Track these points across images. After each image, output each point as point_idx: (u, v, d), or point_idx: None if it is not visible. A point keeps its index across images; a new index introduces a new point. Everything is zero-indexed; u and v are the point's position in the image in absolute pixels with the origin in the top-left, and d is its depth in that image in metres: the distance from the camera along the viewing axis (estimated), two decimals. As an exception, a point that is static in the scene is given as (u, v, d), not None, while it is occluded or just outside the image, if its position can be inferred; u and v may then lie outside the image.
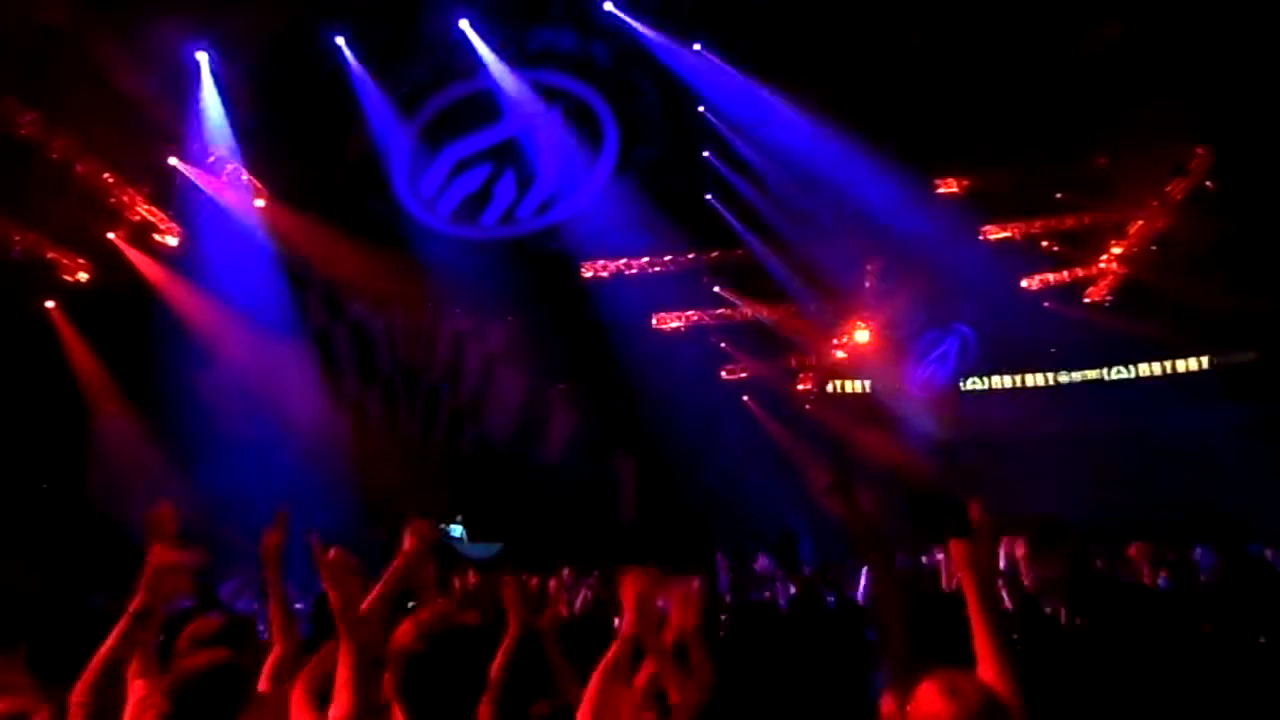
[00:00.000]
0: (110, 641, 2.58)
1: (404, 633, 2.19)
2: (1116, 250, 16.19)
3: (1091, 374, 18.29)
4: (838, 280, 16.84)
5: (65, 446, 14.16)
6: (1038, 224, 16.10)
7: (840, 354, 18.35)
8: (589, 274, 17.05)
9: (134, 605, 2.63)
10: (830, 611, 6.19)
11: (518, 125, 14.64)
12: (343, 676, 2.35)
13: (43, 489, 13.86)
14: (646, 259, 17.10)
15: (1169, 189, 14.75)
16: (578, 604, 7.83)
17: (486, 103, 14.26)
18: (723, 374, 19.29)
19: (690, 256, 17.27)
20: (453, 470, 17.62)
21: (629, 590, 2.88)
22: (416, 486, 16.06)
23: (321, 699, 2.71)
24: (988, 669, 2.26)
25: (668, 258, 17.16)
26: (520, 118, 14.54)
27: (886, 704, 2.64)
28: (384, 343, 17.87)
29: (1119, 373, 18.04)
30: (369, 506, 14.15)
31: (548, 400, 18.48)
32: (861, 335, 17.73)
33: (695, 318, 18.29)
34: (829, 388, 19.45)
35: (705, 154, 15.70)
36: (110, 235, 14.20)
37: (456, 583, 7.92)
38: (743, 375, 19.37)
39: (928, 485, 16.89)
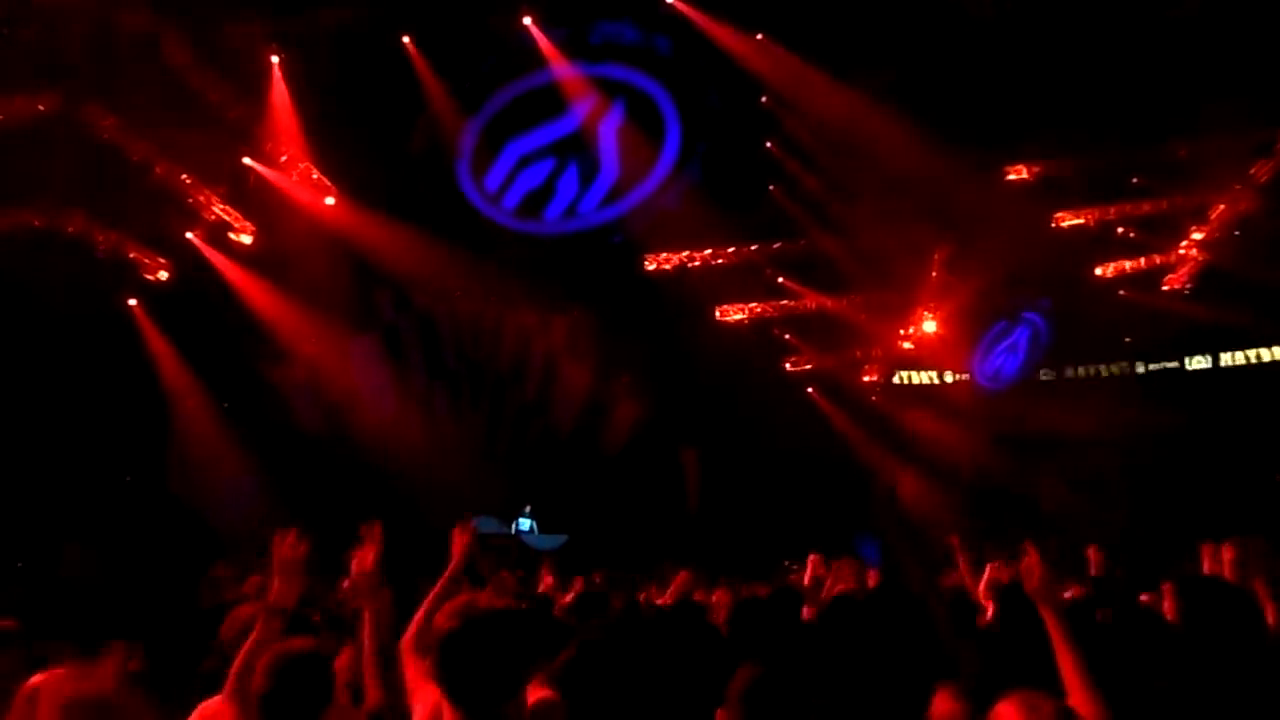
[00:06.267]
0: (254, 636, 2.86)
1: (441, 618, 2.29)
2: (1197, 236, 15.65)
3: (1170, 364, 17.73)
4: (904, 270, 16.59)
5: (148, 440, 14.65)
6: (1113, 210, 15.65)
7: (907, 345, 18.09)
8: (652, 266, 17.03)
9: (269, 602, 2.88)
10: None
11: (581, 119, 14.70)
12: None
13: (126, 481, 14.36)
14: (709, 251, 17.03)
15: (1253, 171, 14.22)
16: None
17: (550, 97, 14.35)
18: (787, 366, 19.15)
19: (753, 248, 17.15)
20: (519, 463, 17.80)
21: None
22: (483, 479, 16.27)
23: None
24: (1076, 698, 2.29)
25: (730, 249, 17.07)
26: (583, 111, 14.60)
27: (941, 702, 2.61)
28: (450, 337, 18.12)
29: (1199, 362, 17.46)
30: (437, 499, 14.38)
31: (612, 393, 18.55)
32: (928, 325, 17.44)
33: (759, 309, 18.16)
34: (895, 379, 19.19)
35: (768, 144, 15.59)
36: (189, 234, 14.62)
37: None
38: (807, 367, 19.21)
39: (992, 478, 16.61)
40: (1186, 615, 3.15)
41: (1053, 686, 2.37)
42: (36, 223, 12.68)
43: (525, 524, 16.60)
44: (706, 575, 8.87)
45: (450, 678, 2.24)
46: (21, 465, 12.06)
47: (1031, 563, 2.64)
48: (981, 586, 5.51)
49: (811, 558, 5.16)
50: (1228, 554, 3.98)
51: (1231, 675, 2.76)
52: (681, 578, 5.75)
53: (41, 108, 11.66)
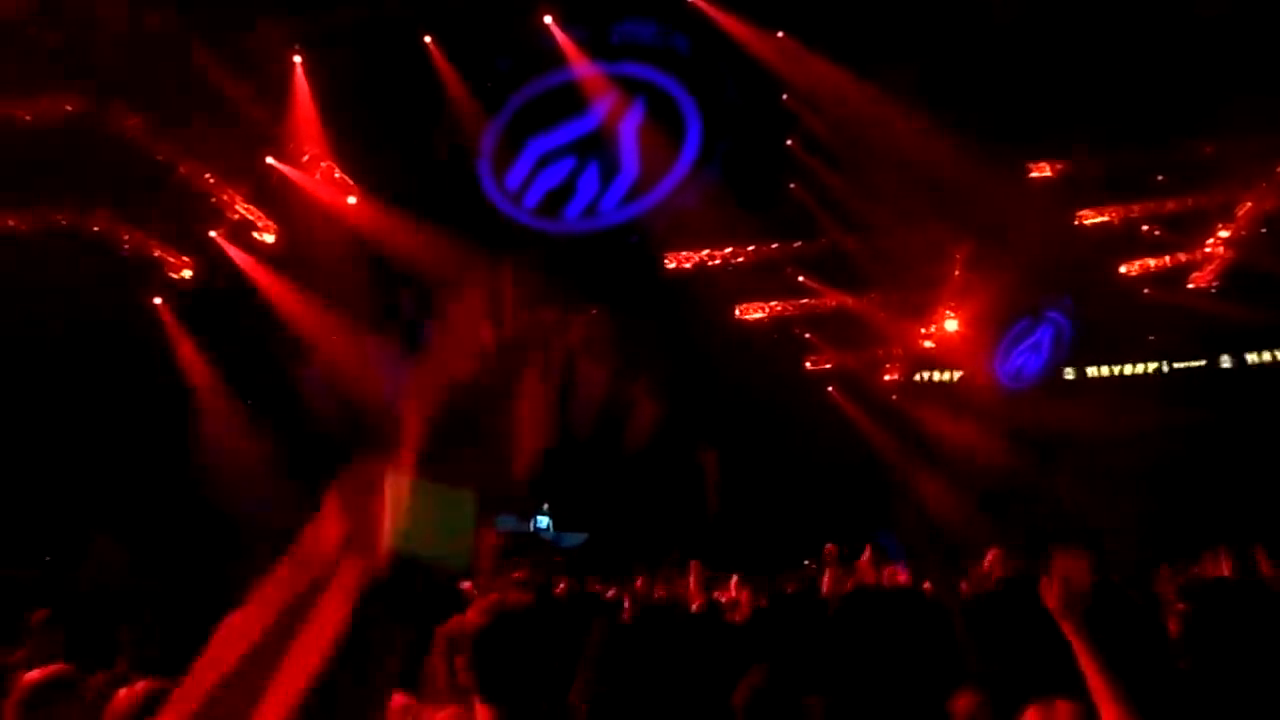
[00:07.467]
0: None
1: (469, 617, 2.28)
2: (1224, 234, 15.48)
3: (1197, 363, 17.54)
4: (925, 268, 16.50)
5: (172, 439, 14.77)
6: (1137, 208, 15.50)
7: (928, 344, 17.98)
8: (672, 265, 17.00)
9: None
10: None
11: (601, 118, 14.69)
12: None
13: (151, 481, 14.48)
14: (729, 249, 16.98)
15: (1280, 168, 14.06)
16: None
17: (570, 96, 14.36)
18: (807, 365, 19.09)
19: (774, 246, 17.09)
20: (538, 460, 17.78)
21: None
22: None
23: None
24: (1107, 717, 2.22)
25: (751, 248, 17.02)
26: (603, 110, 14.60)
27: (963, 702, 2.57)
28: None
29: (1226, 362, 17.27)
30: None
31: (631, 392, 18.53)
32: (950, 324, 17.34)
33: (779, 308, 18.10)
34: (916, 378, 19.09)
35: (789, 143, 15.54)
36: (212, 234, 14.73)
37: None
38: (827, 366, 19.14)
39: (1014, 478, 16.48)
40: (1193, 617, 3.09)
41: (1076, 687, 2.32)
42: (63, 221, 12.83)
43: (543, 522, 16.62)
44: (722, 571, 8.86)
45: (484, 675, 2.23)
46: (48, 462, 12.20)
47: (1054, 577, 2.53)
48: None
49: (862, 561, 5.19)
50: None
51: (1242, 677, 2.72)
52: (696, 567, 5.77)
53: (69, 108, 11.81)
